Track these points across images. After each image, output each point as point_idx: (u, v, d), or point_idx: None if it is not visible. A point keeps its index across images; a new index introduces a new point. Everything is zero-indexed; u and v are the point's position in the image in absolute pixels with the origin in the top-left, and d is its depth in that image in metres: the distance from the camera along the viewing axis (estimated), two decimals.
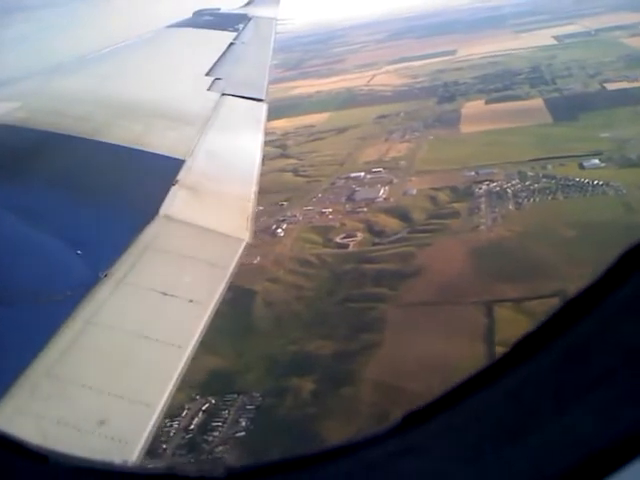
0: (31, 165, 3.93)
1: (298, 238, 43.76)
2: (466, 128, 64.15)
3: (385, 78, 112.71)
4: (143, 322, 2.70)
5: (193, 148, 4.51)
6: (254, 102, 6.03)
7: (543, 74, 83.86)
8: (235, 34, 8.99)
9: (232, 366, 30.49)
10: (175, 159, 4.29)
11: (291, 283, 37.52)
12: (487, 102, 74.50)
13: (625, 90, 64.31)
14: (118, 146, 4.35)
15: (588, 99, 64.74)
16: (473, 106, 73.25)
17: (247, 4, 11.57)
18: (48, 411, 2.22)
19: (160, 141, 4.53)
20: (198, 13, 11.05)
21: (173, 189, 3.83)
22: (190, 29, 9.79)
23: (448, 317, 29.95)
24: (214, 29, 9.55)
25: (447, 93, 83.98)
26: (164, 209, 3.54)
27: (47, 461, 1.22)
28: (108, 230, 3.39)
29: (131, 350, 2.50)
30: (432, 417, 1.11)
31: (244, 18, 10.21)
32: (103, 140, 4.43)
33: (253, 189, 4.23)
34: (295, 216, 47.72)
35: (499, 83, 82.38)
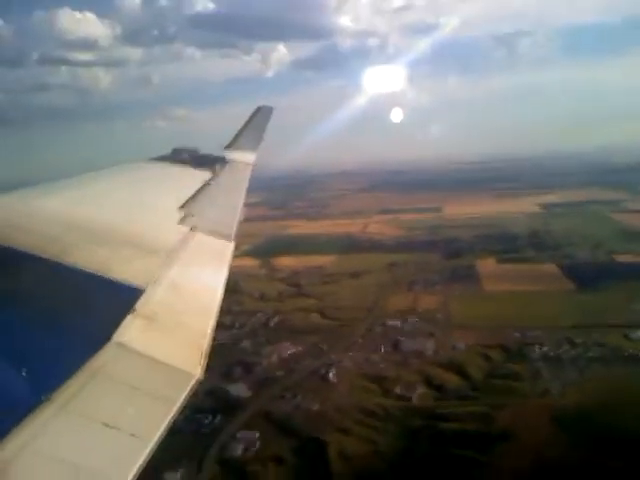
0: None
1: (354, 386, 41.81)
2: (489, 286, 65.12)
3: (379, 227, 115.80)
4: (79, 452, 2.65)
5: (155, 278, 4.58)
6: (222, 240, 6.06)
7: (544, 240, 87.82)
8: (211, 174, 9.26)
9: None
10: (135, 288, 4.36)
11: (363, 436, 35.18)
12: (499, 261, 76.65)
13: (636, 264, 67.02)
14: (80, 270, 4.48)
15: (602, 269, 66.89)
16: (486, 264, 75.01)
17: (226, 148, 11.86)
18: None
19: (123, 268, 4.62)
20: (177, 151, 11.33)
21: (129, 317, 3.86)
22: (168, 164, 10.16)
23: None
24: (191, 167, 9.94)
25: (451, 249, 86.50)
26: (117, 336, 3.54)
27: None
28: (58, 353, 3.39)
29: None
30: None
31: (221, 160, 10.70)
32: (66, 262, 4.55)
33: (211, 325, 4.13)
34: (341, 361, 45.98)
35: (503, 244, 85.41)
